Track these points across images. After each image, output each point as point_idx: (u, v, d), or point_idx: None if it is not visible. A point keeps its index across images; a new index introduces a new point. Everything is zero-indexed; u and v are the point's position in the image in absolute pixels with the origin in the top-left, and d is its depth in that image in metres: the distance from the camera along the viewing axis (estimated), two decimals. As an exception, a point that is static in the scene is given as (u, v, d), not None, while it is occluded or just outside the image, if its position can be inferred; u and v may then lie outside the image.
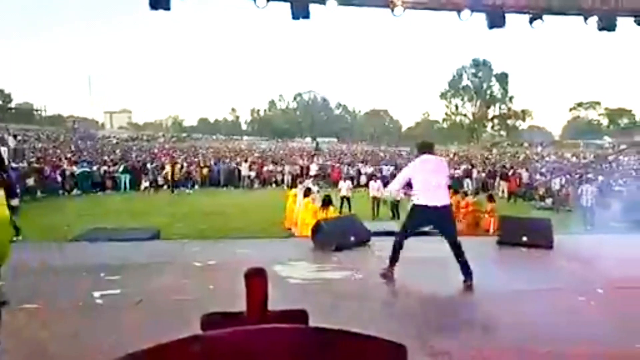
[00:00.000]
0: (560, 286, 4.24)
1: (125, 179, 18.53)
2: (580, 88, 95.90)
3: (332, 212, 8.18)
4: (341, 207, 12.92)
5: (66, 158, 20.52)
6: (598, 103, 59.38)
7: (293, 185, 13.46)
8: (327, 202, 8.21)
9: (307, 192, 9.00)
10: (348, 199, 13.44)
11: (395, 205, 12.72)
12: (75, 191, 17.02)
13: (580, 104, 60.27)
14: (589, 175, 14.87)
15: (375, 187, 13.55)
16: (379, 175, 18.20)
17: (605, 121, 59.28)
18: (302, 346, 0.97)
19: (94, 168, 18.99)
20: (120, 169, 18.93)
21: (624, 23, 7.32)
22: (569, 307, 3.66)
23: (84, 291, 3.99)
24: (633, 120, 55.27)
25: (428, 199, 4.11)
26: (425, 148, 4.41)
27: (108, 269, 4.71)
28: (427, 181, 4.15)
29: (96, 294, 3.92)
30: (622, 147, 32.00)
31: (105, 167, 19.37)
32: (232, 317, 1.32)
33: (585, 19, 7.29)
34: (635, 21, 7.33)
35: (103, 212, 12.56)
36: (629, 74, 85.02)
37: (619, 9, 7.23)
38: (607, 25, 7.26)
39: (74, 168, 18.13)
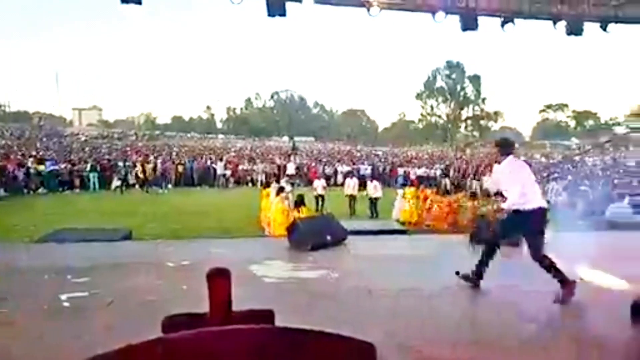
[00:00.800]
0: (526, 283, 4.35)
1: (94, 177, 17.89)
2: (549, 90, 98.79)
3: (305, 211, 8.17)
4: (317, 206, 12.91)
5: (31, 156, 19.67)
6: (566, 105, 61.61)
7: (268, 184, 13.33)
8: (299, 203, 8.19)
9: (280, 191, 8.97)
10: (323, 197, 13.43)
11: (373, 204, 12.76)
12: (41, 190, 16.36)
13: (549, 106, 62.31)
14: (556, 175, 15.39)
15: (350, 185, 13.52)
16: (355, 174, 18.29)
17: (572, 123, 61.55)
18: (267, 346, 0.95)
19: (62, 166, 18.28)
20: (89, 167, 18.24)
21: (591, 28, 7.62)
22: (537, 303, 3.77)
23: (50, 293, 3.85)
24: (598, 123, 57.61)
25: (534, 201, 3.81)
26: (511, 147, 4.05)
27: (76, 271, 4.55)
28: (526, 183, 3.83)
29: (63, 296, 3.79)
30: (587, 147, 33.25)
31: (72, 166, 18.65)
32: (195, 318, 1.28)
33: (554, 23, 7.54)
34: (601, 26, 7.63)
35: (71, 212, 12.13)
36: (595, 78, 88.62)
37: (586, 15, 7.51)
38: (575, 29, 7.53)
39: (40, 166, 17.42)
